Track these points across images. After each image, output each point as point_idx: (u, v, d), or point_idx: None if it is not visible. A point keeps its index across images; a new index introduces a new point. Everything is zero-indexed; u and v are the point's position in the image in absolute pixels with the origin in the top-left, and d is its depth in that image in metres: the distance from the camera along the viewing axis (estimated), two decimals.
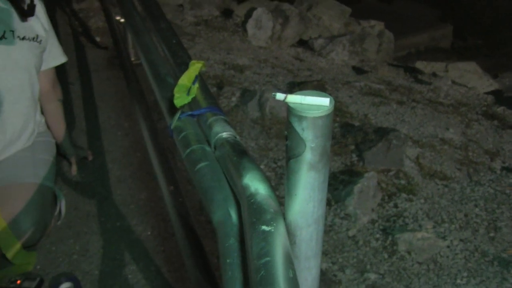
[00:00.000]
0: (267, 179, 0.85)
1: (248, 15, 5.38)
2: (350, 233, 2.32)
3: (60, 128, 2.26)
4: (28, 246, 1.88)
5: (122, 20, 3.51)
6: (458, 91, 5.10)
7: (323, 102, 0.69)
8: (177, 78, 1.32)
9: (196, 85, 1.16)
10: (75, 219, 2.12)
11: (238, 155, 0.96)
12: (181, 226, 1.40)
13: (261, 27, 5.29)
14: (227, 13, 5.77)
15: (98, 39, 4.50)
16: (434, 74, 5.53)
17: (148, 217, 2.15)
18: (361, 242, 2.28)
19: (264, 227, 0.74)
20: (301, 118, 0.69)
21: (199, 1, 5.77)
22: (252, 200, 0.80)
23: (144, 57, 1.54)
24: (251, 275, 0.69)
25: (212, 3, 5.92)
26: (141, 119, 1.92)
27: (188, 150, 1.07)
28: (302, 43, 5.70)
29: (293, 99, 0.70)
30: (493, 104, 4.88)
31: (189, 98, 1.13)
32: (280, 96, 0.71)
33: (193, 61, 1.33)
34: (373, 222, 2.43)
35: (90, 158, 2.45)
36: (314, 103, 0.70)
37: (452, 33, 10.75)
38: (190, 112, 1.16)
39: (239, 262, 0.80)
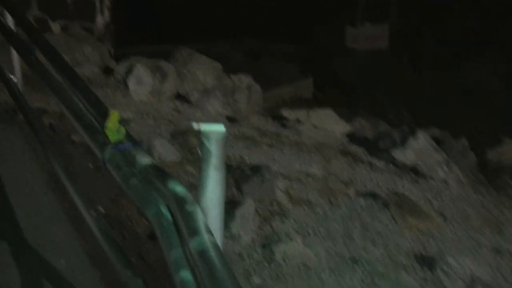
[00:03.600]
0: (183, 184, 1.31)
1: (129, 72, 5.79)
2: (236, 250, 2.80)
3: None
4: None
5: (14, 77, 3.77)
6: (319, 134, 5.91)
7: (221, 128, 1.18)
8: (100, 124, 1.73)
9: (123, 128, 1.59)
10: None
11: (159, 172, 1.41)
12: (104, 239, 1.78)
13: (141, 83, 5.72)
14: (107, 70, 6.13)
15: None
16: (298, 120, 6.29)
17: (63, 254, 2.44)
18: (245, 256, 2.77)
19: (188, 208, 1.19)
20: (209, 137, 1.17)
21: (80, 60, 6.08)
22: (176, 196, 1.25)
23: (67, 109, 1.92)
24: (185, 236, 1.14)
25: (91, 62, 6.25)
26: (54, 160, 2.25)
27: (121, 172, 1.49)
28: (180, 96, 6.19)
29: (204, 127, 1.18)
30: (347, 143, 5.74)
31: (121, 136, 1.56)
32: (195, 125, 1.19)
33: (111, 111, 1.75)
34: (253, 240, 2.94)
35: None
36: (215, 129, 1.18)
37: (313, 85, 11.83)
38: (117, 147, 1.57)
39: (174, 233, 1.24)
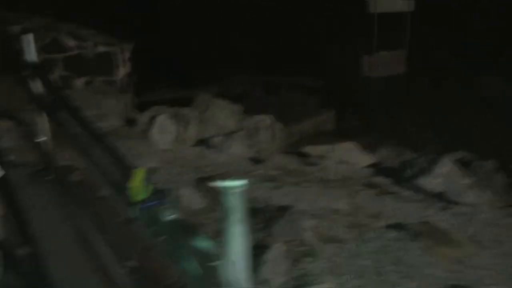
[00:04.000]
0: (208, 238, 1.35)
1: (152, 122, 5.93)
2: None
3: None
4: None
5: (43, 138, 3.92)
6: (343, 168, 5.90)
7: (241, 183, 1.23)
8: (126, 182, 1.80)
9: (152, 185, 1.65)
10: None
11: (186, 228, 1.45)
12: None
13: (164, 131, 5.85)
14: (131, 121, 6.28)
15: (11, 158, 4.76)
16: (322, 156, 6.30)
17: None
18: None
19: (214, 262, 1.23)
20: (230, 192, 1.22)
21: (104, 113, 6.25)
22: (203, 251, 1.29)
23: (95, 168, 2.00)
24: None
25: (116, 114, 6.42)
26: (83, 216, 2.32)
27: (149, 230, 1.54)
28: (203, 142, 6.28)
29: (225, 184, 1.23)
30: (373, 175, 5.72)
31: (148, 193, 1.62)
32: (216, 184, 1.24)
33: (137, 169, 1.82)
34: (285, 284, 2.94)
35: None
36: (236, 185, 1.23)
37: (334, 117, 11.84)
38: (144, 205, 1.63)
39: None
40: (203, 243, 1.29)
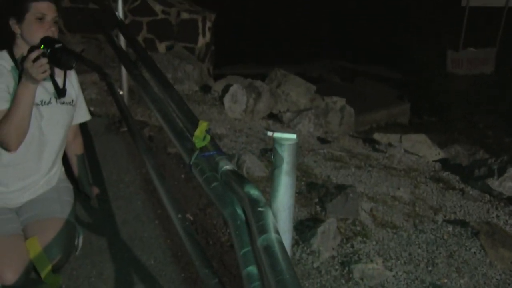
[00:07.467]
0: (258, 188, 1.41)
1: (225, 90, 6.06)
2: (315, 265, 2.85)
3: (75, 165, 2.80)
4: (55, 270, 2.33)
5: (121, 92, 4.13)
6: (410, 158, 5.79)
7: (293, 136, 1.27)
8: (190, 132, 1.89)
9: (209, 136, 1.74)
10: (90, 250, 2.59)
11: (238, 177, 1.52)
12: (188, 239, 1.93)
13: (236, 101, 5.96)
14: (205, 88, 6.45)
15: (92, 109, 5.06)
16: (390, 144, 6.22)
17: (150, 250, 2.64)
18: (323, 272, 2.80)
19: (260, 209, 1.29)
20: (281, 144, 1.27)
21: (180, 77, 6.46)
22: (251, 198, 1.35)
23: (163, 118, 2.12)
24: (254, 234, 1.24)
25: (191, 79, 6.61)
26: (150, 167, 2.46)
27: (204, 176, 1.62)
28: (273, 116, 6.36)
29: (277, 134, 1.28)
30: (440, 170, 5.57)
31: (205, 142, 1.70)
32: (269, 133, 1.29)
33: (201, 121, 1.91)
34: (333, 257, 2.97)
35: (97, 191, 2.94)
36: (288, 137, 1.28)
37: (410, 110, 11.57)
38: (203, 154, 1.71)
39: (245, 232, 1.34)
40: (251, 191, 1.35)
